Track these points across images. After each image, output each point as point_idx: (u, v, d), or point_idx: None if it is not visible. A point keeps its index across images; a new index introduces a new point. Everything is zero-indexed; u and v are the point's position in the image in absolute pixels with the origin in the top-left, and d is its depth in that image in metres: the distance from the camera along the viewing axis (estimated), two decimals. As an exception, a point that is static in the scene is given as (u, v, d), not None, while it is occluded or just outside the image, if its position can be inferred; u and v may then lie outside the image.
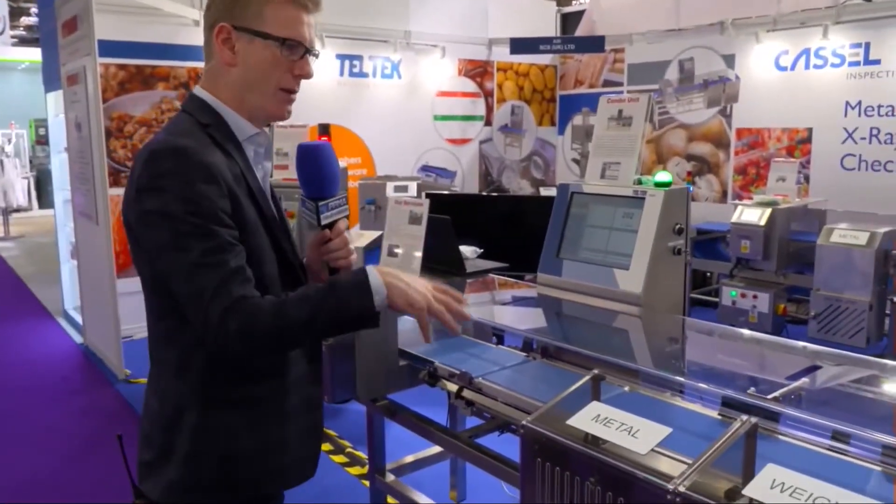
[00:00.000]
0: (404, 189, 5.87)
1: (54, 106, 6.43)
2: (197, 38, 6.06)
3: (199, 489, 1.40)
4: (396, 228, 2.91)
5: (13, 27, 16.52)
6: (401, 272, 1.40)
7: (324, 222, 1.49)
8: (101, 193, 4.78)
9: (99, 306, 5.15)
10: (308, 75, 1.46)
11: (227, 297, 1.25)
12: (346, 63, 6.97)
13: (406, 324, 2.79)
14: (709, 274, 6.59)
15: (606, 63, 7.88)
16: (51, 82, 6.33)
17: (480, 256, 3.24)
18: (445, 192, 5.27)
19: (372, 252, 4.65)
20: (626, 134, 2.52)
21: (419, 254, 2.80)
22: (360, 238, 4.72)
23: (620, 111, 2.55)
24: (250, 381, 1.42)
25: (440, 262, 2.93)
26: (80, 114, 4.98)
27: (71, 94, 5.25)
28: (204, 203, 1.28)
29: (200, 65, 6.08)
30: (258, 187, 1.42)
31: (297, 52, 1.40)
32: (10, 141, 13.17)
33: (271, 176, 1.58)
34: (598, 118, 2.62)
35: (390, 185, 5.81)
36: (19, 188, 11.62)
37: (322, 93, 6.76)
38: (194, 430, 1.38)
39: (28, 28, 17.81)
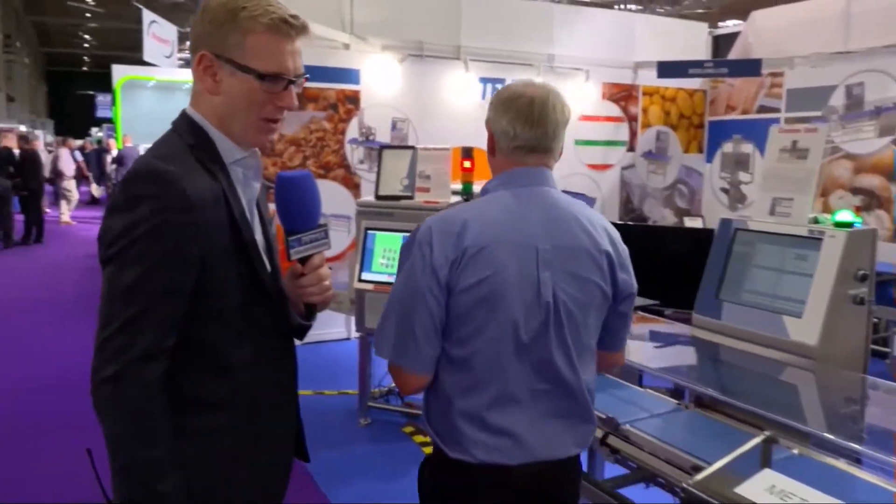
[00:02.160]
0: (542, 214, 5.76)
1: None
2: (346, 60, 6.30)
3: None
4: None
5: (181, 50, 17.93)
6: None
7: (294, 257, 1.43)
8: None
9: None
10: (290, 107, 1.41)
11: (119, 367, 1.24)
12: (489, 86, 6.95)
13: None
14: (877, 320, 6.00)
15: (762, 88, 7.43)
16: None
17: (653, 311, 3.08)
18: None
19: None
20: (800, 167, 2.29)
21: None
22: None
23: (795, 142, 2.32)
24: (198, 411, 1.36)
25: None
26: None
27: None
28: (165, 241, 1.26)
29: (349, 87, 6.33)
30: (241, 212, 1.38)
31: (278, 85, 1.36)
32: (172, 155, 14.21)
33: (260, 197, 1.50)
34: (769, 150, 2.41)
35: (528, 210, 5.72)
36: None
37: (465, 115, 6.77)
38: None
39: (194, 51, 19.15)
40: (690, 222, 7.89)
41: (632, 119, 7.78)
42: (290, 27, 1.36)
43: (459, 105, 6.79)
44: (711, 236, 3.65)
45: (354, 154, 6.36)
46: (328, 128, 6.18)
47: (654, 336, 2.70)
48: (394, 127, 6.47)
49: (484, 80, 6.92)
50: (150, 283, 1.25)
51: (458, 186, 4.25)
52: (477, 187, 4.55)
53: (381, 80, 6.40)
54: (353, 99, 6.27)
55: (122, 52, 29.49)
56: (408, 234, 1.65)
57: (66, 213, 14.86)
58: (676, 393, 2.43)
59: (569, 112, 1.76)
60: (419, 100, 6.56)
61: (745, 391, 2.11)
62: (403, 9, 6.53)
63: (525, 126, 1.68)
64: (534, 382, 1.58)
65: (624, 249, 1.70)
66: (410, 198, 4.26)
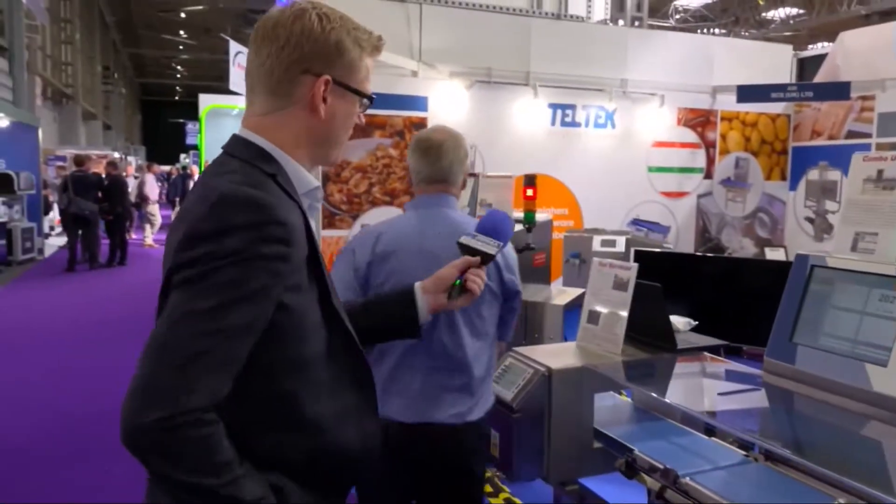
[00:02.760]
0: (612, 243, 5.56)
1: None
2: (414, 88, 6.29)
3: None
4: (599, 292, 2.65)
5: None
6: None
7: (462, 240, 1.69)
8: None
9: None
10: (362, 124, 1.47)
11: (167, 414, 1.06)
12: (558, 112, 6.82)
13: (603, 399, 2.50)
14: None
15: (851, 112, 7.03)
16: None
17: (695, 329, 2.87)
18: (656, 250, 4.88)
19: (572, 311, 4.39)
20: (887, 199, 2.07)
21: (623, 323, 2.51)
22: (560, 295, 4.49)
23: (881, 172, 2.11)
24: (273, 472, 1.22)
25: (647, 333, 2.61)
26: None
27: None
28: (256, 276, 1.14)
29: (416, 113, 6.31)
30: (318, 248, 1.31)
31: (366, 105, 1.41)
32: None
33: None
34: (851, 179, 2.20)
35: (597, 239, 5.53)
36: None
37: (532, 142, 6.67)
38: None
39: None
40: (772, 253, 7.50)
41: (709, 145, 7.48)
42: (381, 50, 1.42)
43: (528, 131, 6.68)
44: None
45: (420, 181, 6.30)
46: (394, 154, 6.16)
47: (722, 378, 2.49)
48: (460, 154, 6.40)
49: (553, 106, 6.80)
50: (228, 319, 1.11)
51: (520, 215, 4.12)
52: (541, 216, 4.41)
53: (449, 107, 6.35)
54: (421, 126, 6.23)
55: (212, 82, 30.78)
56: None
57: (149, 236, 15.45)
58: (746, 443, 2.22)
59: (464, 151, 2.30)
60: (487, 126, 6.48)
61: (821, 447, 1.89)
62: (472, 35, 6.50)
63: (425, 163, 2.25)
64: (425, 360, 2.17)
65: (512, 256, 2.32)
66: (471, 227, 4.15)
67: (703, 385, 2.26)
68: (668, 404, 2.16)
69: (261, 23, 1.33)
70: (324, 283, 1.30)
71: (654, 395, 2.14)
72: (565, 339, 4.14)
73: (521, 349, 2.57)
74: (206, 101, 19.58)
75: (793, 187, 7.74)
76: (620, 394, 2.58)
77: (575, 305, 4.36)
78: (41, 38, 23.03)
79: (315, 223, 1.46)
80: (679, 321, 2.79)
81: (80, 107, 27.57)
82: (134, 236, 15.90)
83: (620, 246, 5.48)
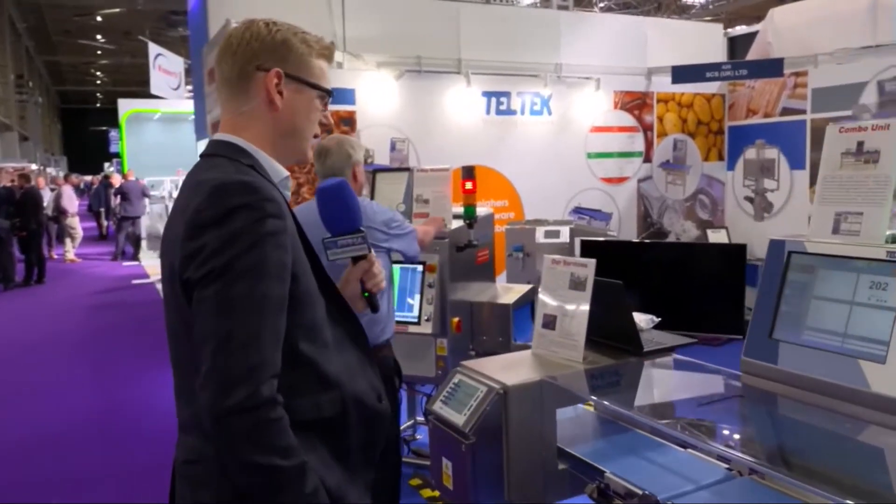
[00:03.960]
0: (556, 234, 5.35)
1: (204, 154, 6.48)
2: (339, 80, 5.90)
3: None
4: (553, 293, 2.37)
5: (188, 82, 17.78)
6: None
7: (331, 258, 1.60)
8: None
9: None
10: (329, 126, 1.63)
11: (251, 391, 1.18)
12: (493, 100, 6.56)
13: (565, 413, 2.23)
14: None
15: (785, 89, 6.97)
16: (199, 130, 6.41)
17: (657, 326, 2.63)
18: (602, 239, 4.66)
19: (519, 309, 4.13)
20: (870, 174, 1.84)
21: (583, 326, 2.24)
22: (507, 293, 4.22)
23: (861, 143, 1.88)
24: (314, 431, 1.34)
25: (609, 335, 2.35)
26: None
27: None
28: (270, 250, 1.25)
29: (343, 107, 5.94)
30: (300, 224, 1.43)
31: (326, 103, 1.50)
32: (177, 187, 13.95)
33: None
34: (827, 154, 1.96)
35: (540, 230, 5.32)
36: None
37: (467, 133, 6.40)
38: None
39: (199, 82, 19.12)
40: (714, 235, 7.43)
41: (647, 128, 7.34)
42: (332, 57, 1.54)
43: (462, 122, 6.41)
44: (742, 252, 3.24)
45: (352, 178, 5.95)
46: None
47: (697, 383, 2.24)
48: (393, 148, 6.04)
49: (488, 94, 6.54)
50: (265, 295, 1.23)
51: (459, 210, 3.82)
52: (481, 209, 4.12)
53: (378, 99, 6.03)
54: (349, 120, 5.89)
55: (135, 87, 29.55)
56: (405, 266, 2.33)
57: (70, 251, 14.59)
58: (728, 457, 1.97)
59: (346, 152, 2.97)
60: (419, 118, 6.18)
61: (814, 459, 1.65)
62: (398, 22, 6.18)
63: (319, 164, 2.97)
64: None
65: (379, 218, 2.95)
66: (407, 225, 3.84)
67: (676, 392, 2.00)
68: (640, 420, 1.90)
69: (220, 43, 1.48)
70: (313, 254, 1.42)
71: (623, 410, 1.87)
72: (515, 341, 3.88)
73: (470, 364, 2.28)
74: (126, 106, 18.72)
75: (731, 167, 7.68)
76: (586, 403, 2.31)
77: (523, 303, 4.11)
78: (-57, 47, 21.67)
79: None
80: (642, 319, 2.54)
81: (-8, 117, 26.10)
82: (55, 252, 15.02)
83: (564, 236, 5.30)
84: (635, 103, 7.27)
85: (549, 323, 2.34)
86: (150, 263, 12.84)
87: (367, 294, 1.65)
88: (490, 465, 2.10)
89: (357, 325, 1.52)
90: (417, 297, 3.73)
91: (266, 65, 1.41)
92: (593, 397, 2.06)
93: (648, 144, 7.36)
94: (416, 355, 3.73)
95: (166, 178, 16.39)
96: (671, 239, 7.40)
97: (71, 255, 14.51)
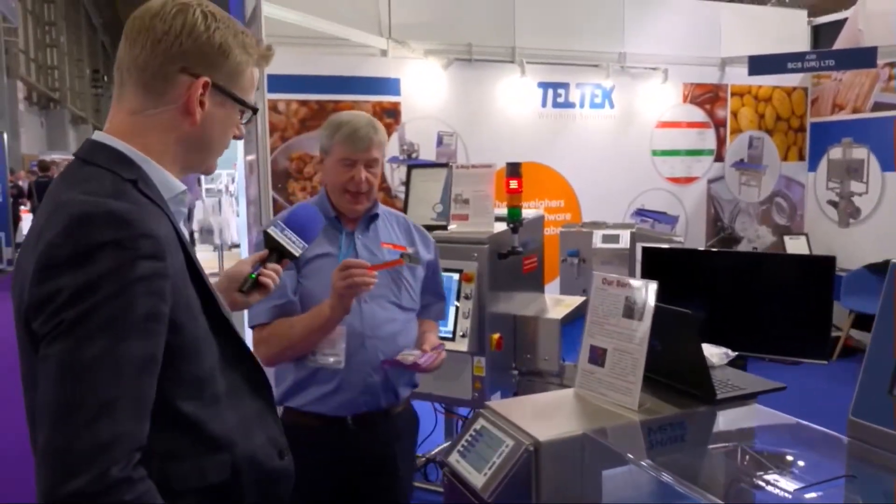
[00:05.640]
0: (615, 238, 4.91)
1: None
2: (384, 69, 5.52)
3: None
4: (604, 321, 1.91)
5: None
6: None
7: (268, 229, 1.69)
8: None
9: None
10: (242, 137, 1.45)
11: (96, 474, 0.98)
12: (550, 92, 6.09)
13: (612, 482, 1.76)
14: None
15: (878, 81, 6.28)
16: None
17: (712, 339, 2.14)
18: (666, 247, 4.16)
19: (571, 324, 3.66)
20: None
21: (640, 366, 1.78)
22: (557, 306, 3.75)
23: None
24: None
25: (672, 375, 1.88)
26: (252, 153, 4.56)
27: (246, 134, 4.87)
28: (139, 301, 1.05)
29: (387, 98, 5.56)
30: (193, 251, 1.24)
31: (248, 116, 1.33)
32: (233, 180, 13.83)
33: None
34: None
35: (597, 234, 4.88)
36: (234, 225, 12.05)
37: (520, 126, 5.94)
38: None
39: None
40: (792, 242, 6.80)
41: (719, 124, 6.74)
42: (270, 61, 1.37)
43: (515, 115, 5.96)
44: (830, 265, 2.85)
45: (395, 174, 5.57)
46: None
47: (789, 447, 1.74)
48: (440, 142, 5.66)
49: (544, 86, 6.07)
50: (126, 357, 1.04)
51: (503, 211, 3.38)
52: (530, 211, 3.68)
53: (424, 89, 5.62)
54: (393, 112, 5.50)
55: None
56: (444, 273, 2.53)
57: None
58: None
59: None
60: (468, 110, 5.76)
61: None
62: (447, 7, 5.76)
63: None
64: None
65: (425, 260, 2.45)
66: (444, 227, 3.41)
67: (764, 464, 1.51)
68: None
69: (138, 13, 1.23)
70: (206, 291, 1.24)
71: (691, 491, 1.40)
72: (563, 361, 3.43)
73: (496, 406, 1.84)
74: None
75: (812, 168, 7.02)
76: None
77: (574, 317, 3.65)
78: (23, 40, 22.33)
79: (185, 229, 1.33)
80: (713, 353, 2.06)
81: (69, 111, 26.93)
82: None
83: (625, 241, 4.88)
84: (707, 96, 6.68)
85: (598, 358, 1.88)
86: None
87: (252, 276, 1.61)
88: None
89: (257, 369, 1.36)
90: (452, 309, 3.30)
91: (194, 70, 1.22)
92: (648, 462, 1.59)
93: (720, 142, 6.76)
94: (449, 375, 3.30)
95: (223, 172, 16.38)
96: (743, 245, 6.80)
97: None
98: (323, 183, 2.36)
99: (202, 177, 14.25)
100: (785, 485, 1.38)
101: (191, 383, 1.19)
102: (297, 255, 1.70)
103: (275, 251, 1.67)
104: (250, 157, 4.81)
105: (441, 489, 3.72)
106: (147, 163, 1.21)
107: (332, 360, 2.09)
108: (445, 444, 4.18)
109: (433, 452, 4.15)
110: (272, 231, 1.68)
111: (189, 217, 13.84)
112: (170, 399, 1.14)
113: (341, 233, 2.27)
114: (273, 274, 1.63)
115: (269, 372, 2.34)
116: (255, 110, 1.34)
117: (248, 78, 1.31)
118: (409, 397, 2.39)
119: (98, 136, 1.24)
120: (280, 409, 2.13)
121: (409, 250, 2.33)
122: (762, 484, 1.40)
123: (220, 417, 1.23)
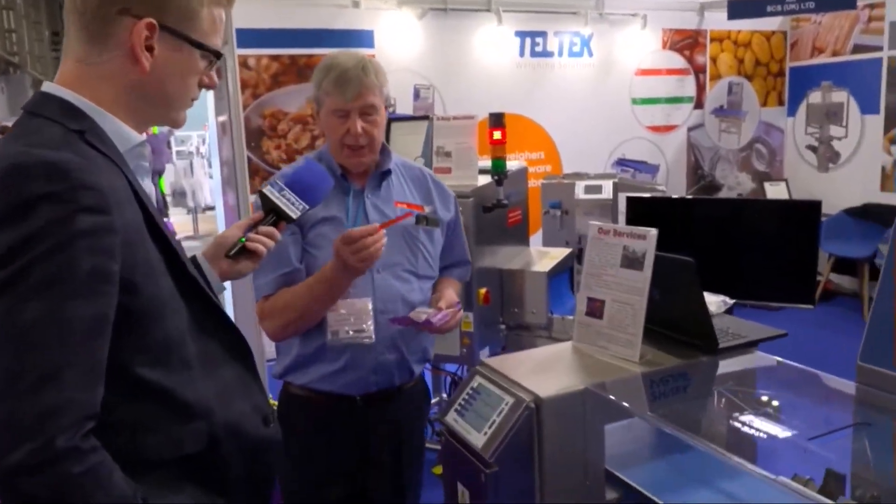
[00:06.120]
0: (597, 189, 4.85)
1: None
2: (356, 20, 5.35)
3: None
4: (601, 272, 1.85)
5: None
6: None
7: (263, 189, 1.53)
8: (244, 200, 4.17)
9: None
10: (214, 87, 1.25)
11: (40, 443, 0.92)
12: (527, 41, 5.97)
13: (614, 435, 1.72)
14: None
15: (858, 23, 6.23)
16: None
17: (708, 287, 2.08)
18: (649, 195, 4.12)
19: (557, 276, 3.62)
20: None
21: (641, 316, 1.73)
22: (542, 259, 3.70)
23: None
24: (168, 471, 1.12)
25: (673, 326, 1.83)
26: (224, 113, 4.40)
27: (217, 92, 4.70)
28: (79, 257, 0.96)
29: (363, 50, 5.40)
30: (154, 208, 1.15)
31: (214, 62, 1.21)
32: (204, 141, 13.54)
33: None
34: None
35: (580, 185, 4.81)
36: (206, 187, 11.84)
37: (499, 77, 5.84)
38: None
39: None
40: (772, 188, 6.80)
41: (699, 70, 6.69)
42: (233, 1, 1.24)
43: (493, 66, 5.87)
44: (816, 210, 2.83)
45: (372, 130, 5.44)
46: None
47: (795, 393, 1.71)
48: (416, 95, 5.50)
49: (521, 35, 5.97)
50: (70, 319, 0.96)
51: (487, 163, 3.30)
52: (513, 163, 3.59)
53: (399, 41, 5.50)
54: (367, 65, 5.34)
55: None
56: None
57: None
58: (830, 483, 1.47)
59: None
60: (444, 62, 5.65)
61: None
62: (420, -46, 5.57)
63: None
64: None
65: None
66: (427, 181, 3.32)
67: (773, 414, 1.48)
68: (723, 459, 1.39)
69: None
70: (171, 250, 1.16)
71: (699, 443, 1.36)
72: (551, 314, 3.39)
73: (493, 362, 1.78)
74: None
75: (791, 113, 7.00)
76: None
77: (561, 269, 3.60)
78: (-27, 3, 21.53)
79: (147, 184, 1.22)
80: (712, 301, 2.01)
81: (29, 75, 26.17)
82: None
83: (607, 192, 4.82)
84: (686, 42, 6.61)
85: (595, 310, 1.82)
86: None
87: (242, 240, 1.47)
88: (518, 498, 1.62)
89: (236, 333, 1.28)
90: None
91: (135, 10, 1.09)
92: (652, 413, 1.55)
93: (700, 88, 6.72)
94: (437, 332, 3.26)
95: (193, 133, 16.06)
96: (724, 193, 6.80)
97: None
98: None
99: (172, 139, 13.95)
100: (796, 433, 1.35)
101: (155, 349, 1.11)
102: (294, 217, 1.52)
103: (272, 213, 1.51)
104: (222, 118, 4.66)
105: (435, 447, 3.71)
106: (99, 113, 1.12)
107: (363, 338, 1.89)
108: (434, 401, 4.15)
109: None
110: (268, 190, 1.51)
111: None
112: (132, 366, 1.07)
113: (348, 193, 2.01)
114: (264, 238, 1.48)
115: (270, 346, 2.20)
116: (217, 55, 1.21)
117: (207, 19, 1.18)
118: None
119: (47, 86, 1.14)
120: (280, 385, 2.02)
121: (427, 210, 2.07)
122: (774, 433, 1.36)
123: (192, 385, 1.15)
